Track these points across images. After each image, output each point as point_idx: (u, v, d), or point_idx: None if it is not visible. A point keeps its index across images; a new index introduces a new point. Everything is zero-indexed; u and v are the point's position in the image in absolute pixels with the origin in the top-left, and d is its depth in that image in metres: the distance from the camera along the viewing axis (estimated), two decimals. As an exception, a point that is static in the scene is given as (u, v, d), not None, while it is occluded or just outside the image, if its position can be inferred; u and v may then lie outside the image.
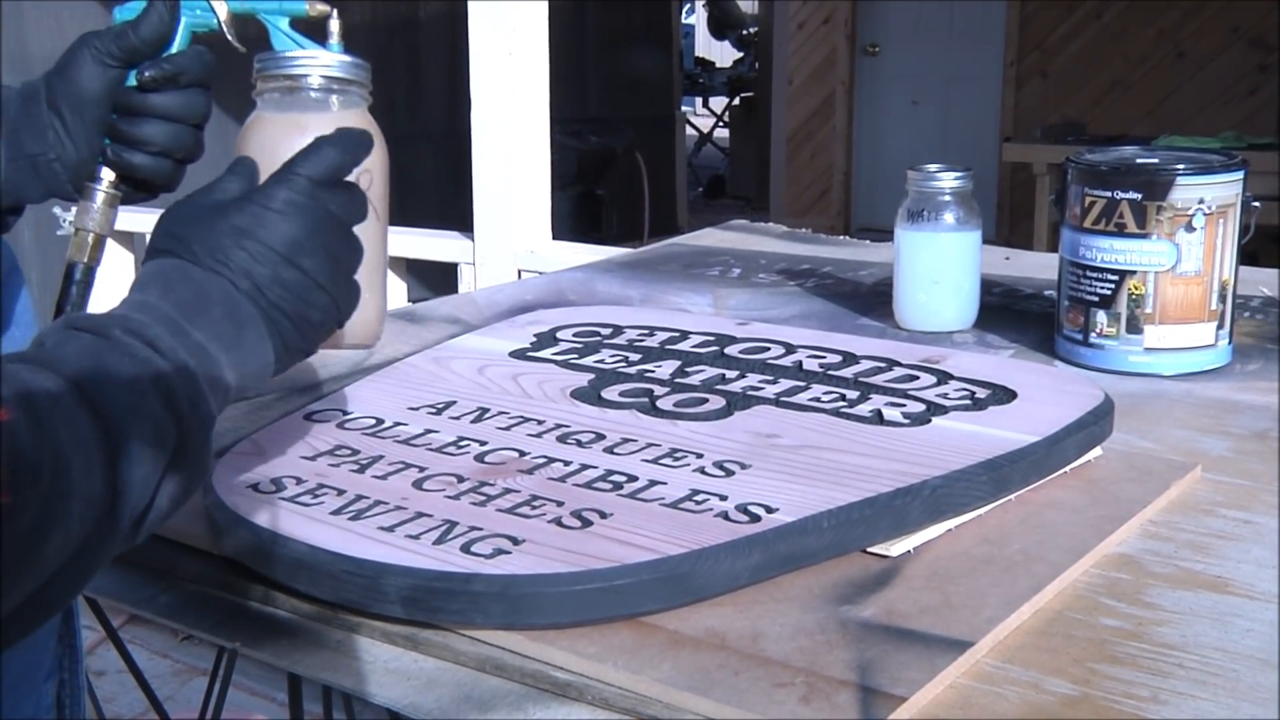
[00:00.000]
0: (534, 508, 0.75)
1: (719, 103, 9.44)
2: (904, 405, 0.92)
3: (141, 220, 2.66)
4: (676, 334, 1.11)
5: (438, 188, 5.32)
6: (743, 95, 8.88)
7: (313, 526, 0.73)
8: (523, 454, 0.84)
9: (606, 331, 1.13)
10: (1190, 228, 1.11)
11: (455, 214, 2.75)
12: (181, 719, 2.06)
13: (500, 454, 0.84)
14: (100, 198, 0.85)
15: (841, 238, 1.88)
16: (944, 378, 0.98)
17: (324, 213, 0.67)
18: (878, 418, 0.90)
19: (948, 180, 1.28)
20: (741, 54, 9.52)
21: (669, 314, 1.29)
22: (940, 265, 1.29)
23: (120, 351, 0.55)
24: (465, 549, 0.70)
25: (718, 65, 9.89)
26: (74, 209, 0.85)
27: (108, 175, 0.85)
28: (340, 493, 0.78)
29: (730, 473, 0.81)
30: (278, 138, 0.78)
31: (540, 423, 0.90)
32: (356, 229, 0.71)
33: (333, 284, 0.67)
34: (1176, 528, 0.82)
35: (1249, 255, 1.20)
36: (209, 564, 0.76)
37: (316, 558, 0.70)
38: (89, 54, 0.83)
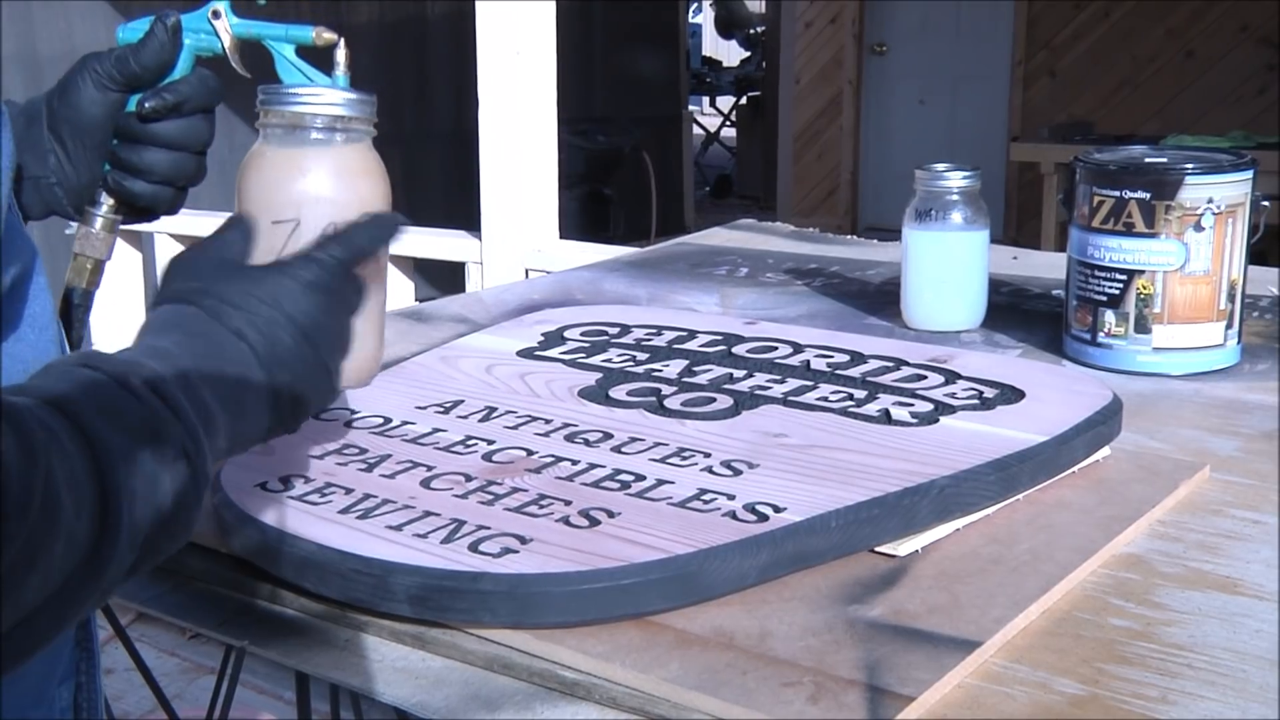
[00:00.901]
0: (542, 507, 0.75)
1: (726, 102, 9.44)
2: (912, 405, 0.92)
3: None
4: (684, 333, 1.11)
5: (445, 187, 5.32)
6: (750, 94, 8.87)
7: (321, 525, 0.73)
8: (530, 453, 0.84)
9: (614, 331, 1.13)
10: (1199, 227, 1.11)
11: (462, 213, 2.75)
12: (189, 717, 2.06)
13: (508, 453, 0.84)
14: (99, 223, 0.84)
15: (849, 237, 1.88)
16: (952, 377, 0.98)
17: (344, 298, 0.67)
18: (885, 417, 0.90)
19: (955, 179, 1.28)
20: (748, 53, 9.51)
21: (676, 313, 1.29)
22: (948, 264, 1.29)
23: (130, 398, 0.54)
24: (473, 548, 0.70)
25: (725, 64, 9.88)
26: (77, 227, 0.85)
27: (107, 200, 0.84)
28: (348, 491, 0.78)
29: (738, 472, 0.81)
30: (279, 174, 0.78)
31: (548, 422, 0.90)
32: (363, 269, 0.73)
33: (333, 370, 0.66)
34: (1185, 528, 0.82)
35: (1257, 254, 1.19)
36: (217, 562, 0.76)
37: (324, 556, 0.70)
38: (90, 78, 0.81)
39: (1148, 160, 1.16)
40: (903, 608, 0.69)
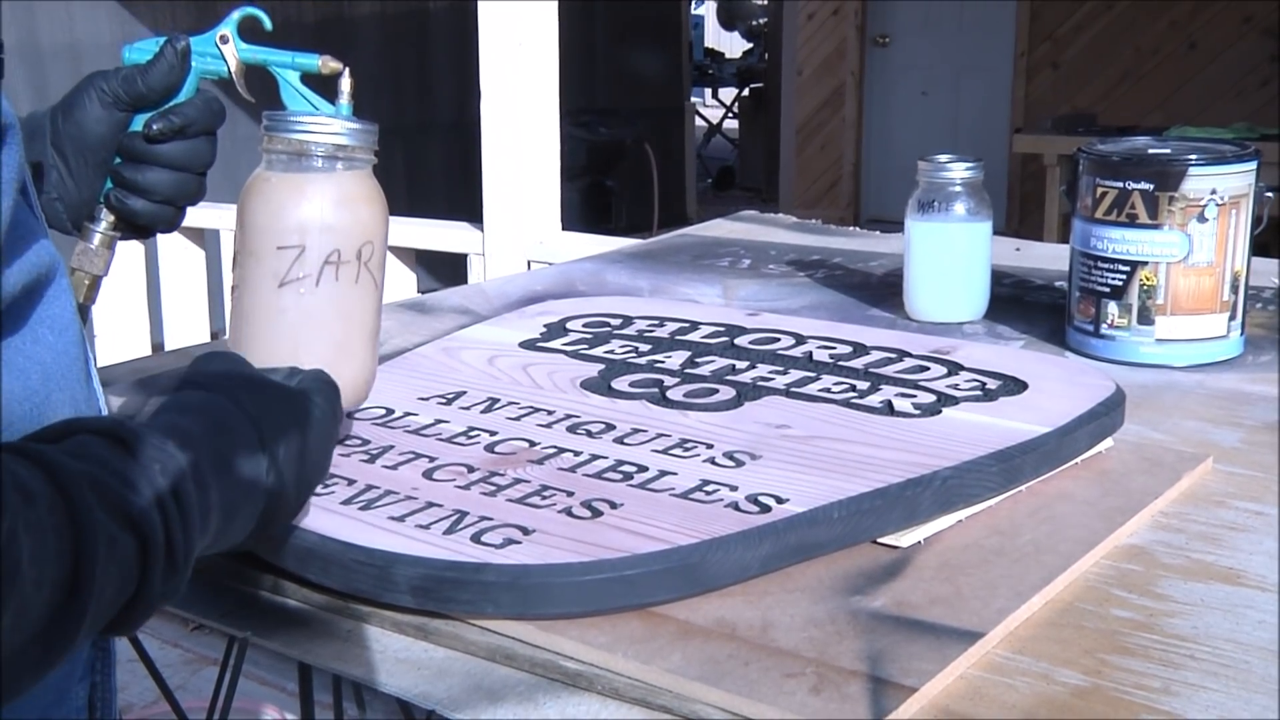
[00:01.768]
0: (544, 498, 0.75)
1: (728, 94, 9.43)
2: (914, 396, 0.92)
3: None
4: (686, 324, 1.11)
5: (447, 178, 5.32)
6: (752, 86, 8.86)
7: (323, 516, 0.73)
8: (533, 444, 0.84)
9: (616, 322, 1.13)
10: (1202, 218, 1.11)
11: (464, 205, 2.75)
12: (193, 708, 2.07)
13: (510, 444, 0.84)
14: (98, 239, 0.84)
15: (851, 229, 1.87)
16: (954, 369, 0.98)
17: (334, 439, 0.69)
18: (888, 408, 0.90)
19: (958, 171, 1.28)
20: (751, 45, 9.49)
21: (679, 305, 1.28)
22: (950, 256, 1.29)
23: (141, 483, 0.51)
24: (475, 539, 0.70)
25: (727, 56, 9.87)
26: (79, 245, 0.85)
27: (107, 217, 0.84)
28: (350, 482, 0.78)
29: (740, 463, 0.81)
30: (283, 200, 0.79)
31: (550, 413, 0.90)
32: (363, 296, 0.75)
33: (308, 497, 0.67)
34: (1188, 519, 0.82)
35: (1261, 246, 1.19)
36: (219, 554, 0.76)
37: (327, 547, 0.70)
38: (96, 96, 0.81)
39: (1151, 151, 1.15)
40: (905, 599, 0.69)
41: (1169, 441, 0.95)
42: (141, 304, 2.95)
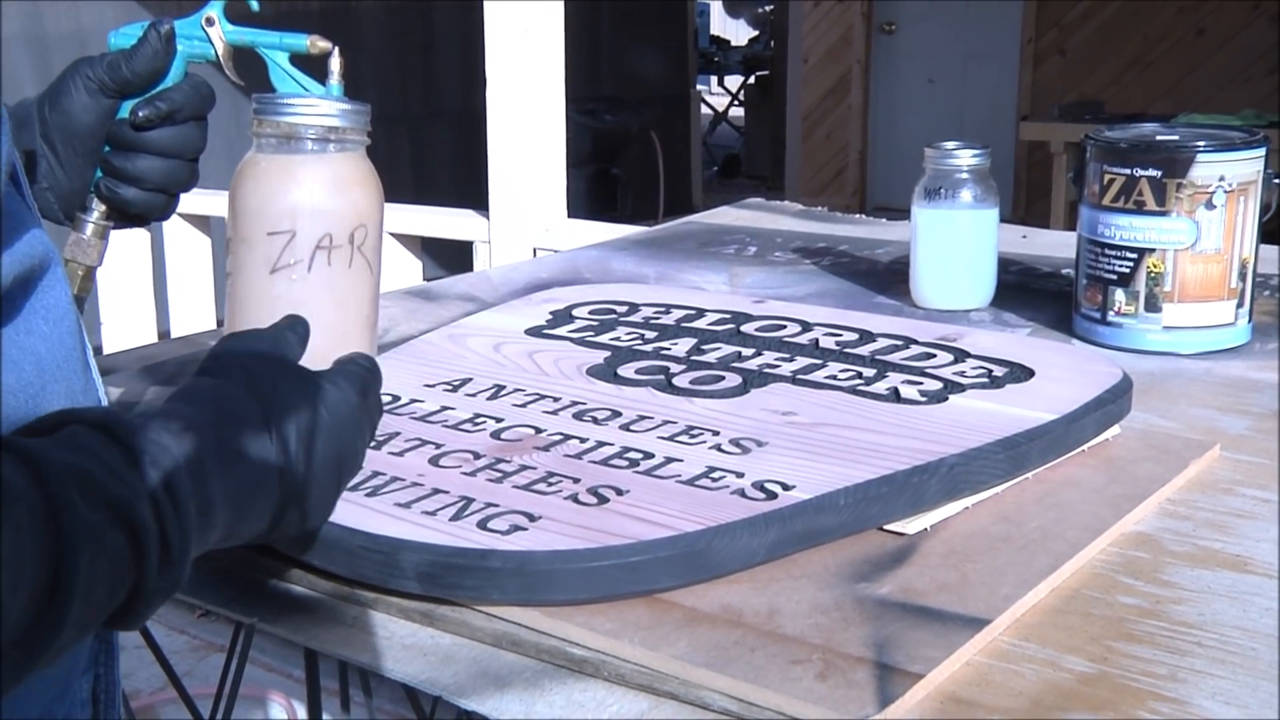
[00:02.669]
0: (550, 484, 0.75)
1: (734, 81, 9.41)
2: (921, 383, 0.92)
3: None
4: (692, 312, 1.11)
5: (453, 166, 5.32)
6: (758, 74, 8.84)
7: (329, 503, 0.73)
8: (539, 431, 0.84)
9: (622, 309, 1.13)
10: (1210, 205, 1.11)
11: (470, 192, 2.75)
12: (199, 694, 2.07)
13: (516, 431, 0.84)
14: (90, 229, 0.83)
15: (857, 216, 1.87)
16: (961, 356, 0.98)
17: (373, 423, 0.66)
18: (895, 395, 0.90)
19: (965, 158, 1.28)
20: (757, 32, 9.47)
21: (685, 292, 1.28)
22: (957, 243, 1.29)
23: (130, 477, 0.49)
24: (481, 525, 0.70)
25: (733, 44, 9.84)
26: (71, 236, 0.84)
27: (99, 207, 0.82)
28: (357, 469, 0.78)
29: (746, 450, 0.81)
30: (274, 184, 0.78)
31: (556, 400, 0.90)
32: (358, 281, 0.71)
33: (336, 500, 0.64)
34: (1195, 506, 0.81)
35: (1269, 233, 1.19)
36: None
37: (333, 534, 0.70)
38: (81, 83, 0.80)
39: (1159, 138, 1.15)
40: (912, 585, 0.69)
41: (1176, 429, 0.95)
42: (148, 291, 2.95)
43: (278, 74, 0.82)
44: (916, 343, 1.01)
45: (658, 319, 1.10)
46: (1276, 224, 1.20)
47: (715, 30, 10.81)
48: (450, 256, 3.05)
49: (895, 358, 0.98)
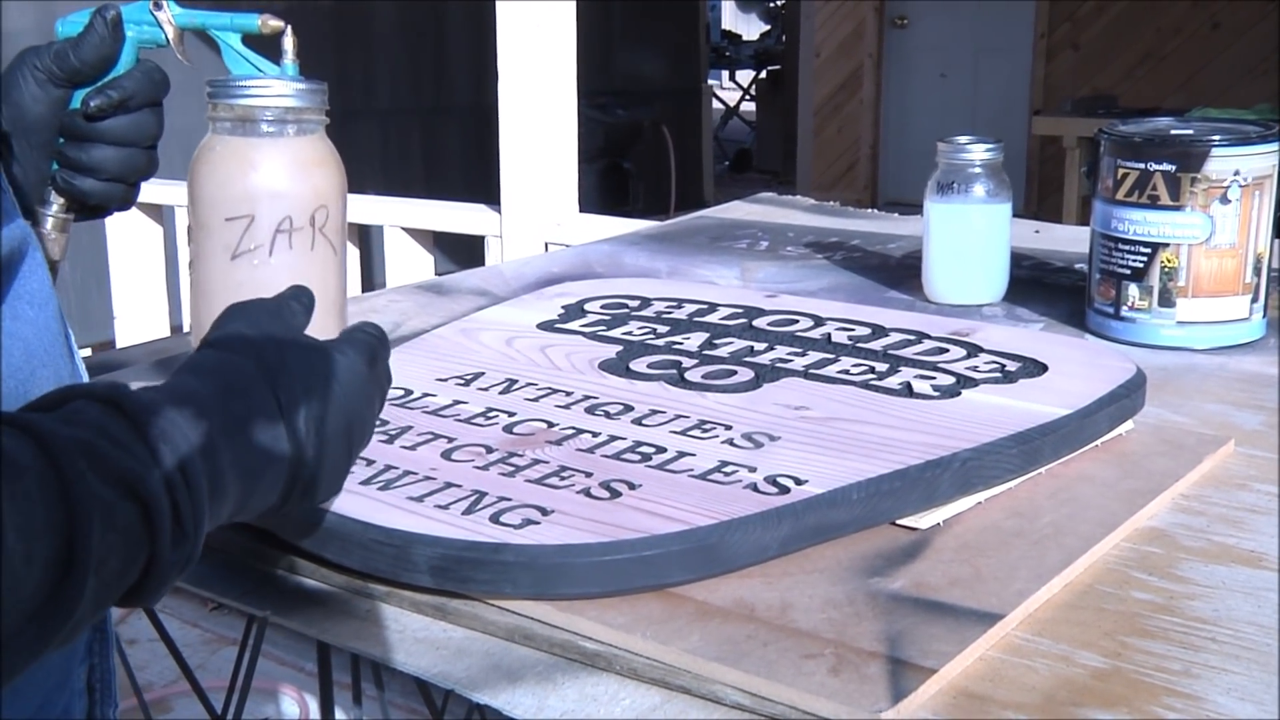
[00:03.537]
0: (563, 478, 0.75)
1: (745, 76, 9.40)
2: (934, 378, 0.92)
3: (167, 193, 2.66)
4: (704, 306, 1.11)
5: (464, 161, 5.32)
6: (769, 68, 8.83)
7: (342, 496, 0.73)
8: (551, 425, 0.84)
9: (634, 303, 1.13)
10: (1225, 199, 1.10)
11: (481, 187, 2.75)
12: (212, 687, 2.08)
13: (529, 425, 0.84)
14: (50, 223, 0.81)
15: (869, 210, 1.87)
16: (974, 350, 0.97)
17: (383, 390, 0.66)
18: (907, 390, 0.90)
19: (978, 152, 1.27)
20: (768, 27, 9.46)
21: (697, 286, 1.28)
22: (969, 238, 1.29)
23: (138, 450, 0.49)
24: (494, 519, 0.70)
25: (744, 38, 9.83)
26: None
27: (57, 200, 0.81)
28: (369, 463, 0.78)
29: (759, 444, 0.81)
30: (230, 169, 0.76)
31: (568, 394, 0.90)
32: (321, 262, 0.68)
33: (347, 471, 0.63)
34: (1209, 502, 0.81)
35: (1284, 228, 1.18)
36: (238, 533, 0.77)
37: (345, 527, 0.70)
38: (30, 75, 0.78)
39: (1173, 132, 1.15)
40: (924, 580, 0.69)
41: (1190, 424, 0.95)
42: (160, 286, 2.96)
43: (231, 56, 0.80)
44: (929, 337, 1.01)
45: (670, 313, 1.10)
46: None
47: (727, 25, 10.80)
48: (462, 251, 3.05)
49: (908, 352, 0.98)
